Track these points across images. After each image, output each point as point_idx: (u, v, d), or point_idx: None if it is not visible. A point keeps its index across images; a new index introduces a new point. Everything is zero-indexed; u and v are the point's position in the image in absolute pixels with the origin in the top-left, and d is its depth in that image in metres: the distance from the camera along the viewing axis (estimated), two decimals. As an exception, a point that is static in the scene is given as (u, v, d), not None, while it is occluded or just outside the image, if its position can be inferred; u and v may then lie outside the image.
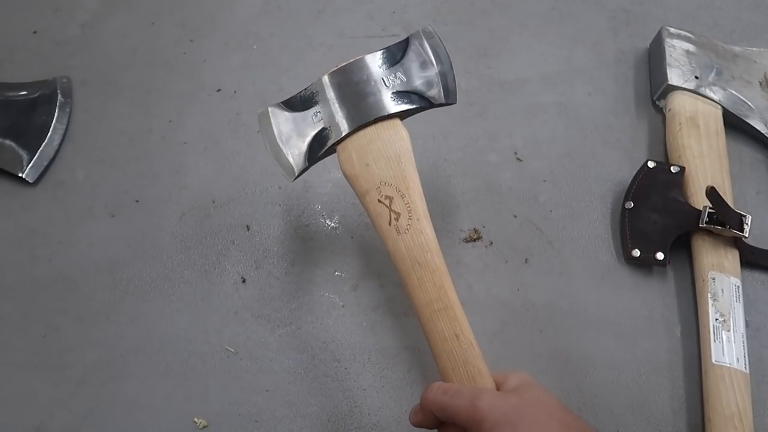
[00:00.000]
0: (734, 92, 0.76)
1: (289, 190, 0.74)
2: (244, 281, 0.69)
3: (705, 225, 0.66)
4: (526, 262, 0.70)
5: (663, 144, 0.77)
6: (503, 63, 0.83)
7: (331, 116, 0.56)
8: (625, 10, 0.87)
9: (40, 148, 0.75)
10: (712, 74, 0.77)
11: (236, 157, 0.76)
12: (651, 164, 0.72)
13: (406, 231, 0.53)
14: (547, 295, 0.68)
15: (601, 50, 0.84)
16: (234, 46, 0.84)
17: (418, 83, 0.57)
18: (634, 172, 0.73)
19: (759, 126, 0.76)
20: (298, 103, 0.58)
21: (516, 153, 0.77)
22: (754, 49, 0.81)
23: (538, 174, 0.75)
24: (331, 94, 0.56)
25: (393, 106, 0.55)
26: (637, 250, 0.68)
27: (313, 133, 0.56)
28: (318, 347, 0.66)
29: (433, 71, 0.57)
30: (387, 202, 0.54)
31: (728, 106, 0.75)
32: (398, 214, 0.54)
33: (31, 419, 0.63)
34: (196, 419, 0.62)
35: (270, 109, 0.58)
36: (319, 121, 0.56)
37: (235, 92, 0.81)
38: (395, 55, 0.57)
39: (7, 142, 0.75)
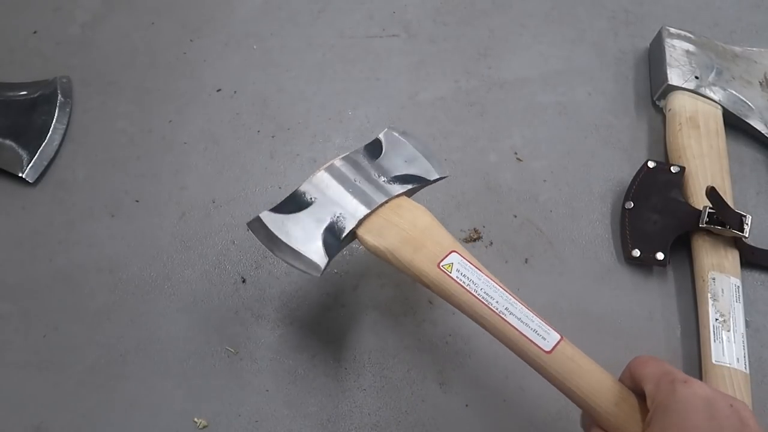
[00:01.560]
0: (734, 92, 0.76)
1: (289, 190, 0.73)
2: (244, 281, 0.69)
3: (705, 225, 0.66)
4: (526, 262, 0.70)
5: (663, 144, 0.77)
6: (503, 63, 0.83)
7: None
8: (625, 10, 0.87)
9: (40, 148, 0.75)
10: (712, 74, 0.77)
11: (236, 157, 0.76)
12: (651, 164, 0.72)
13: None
14: (547, 295, 0.68)
15: (601, 50, 0.84)
16: (234, 46, 0.84)
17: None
18: (634, 172, 0.73)
19: (759, 126, 0.76)
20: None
21: (516, 153, 0.77)
22: (754, 49, 0.81)
23: (538, 174, 0.75)
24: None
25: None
26: (637, 250, 0.68)
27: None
28: (318, 347, 0.66)
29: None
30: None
31: (728, 106, 0.75)
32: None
33: (31, 419, 0.62)
34: (196, 419, 0.62)
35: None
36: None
37: (235, 92, 0.81)
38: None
39: (7, 142, 0.75)
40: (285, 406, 0.63)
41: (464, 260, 0.52)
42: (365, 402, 0.63)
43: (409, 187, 0.58)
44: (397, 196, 0.56)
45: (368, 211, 0.55)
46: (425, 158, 0.60)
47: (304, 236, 0.54)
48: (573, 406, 0.55)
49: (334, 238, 0.54)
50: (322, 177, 0.56)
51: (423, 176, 0.59)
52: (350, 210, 0.55)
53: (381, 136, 0.61)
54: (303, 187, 0.56)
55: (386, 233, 0.54)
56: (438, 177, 0.59)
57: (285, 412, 0.63)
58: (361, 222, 0.55)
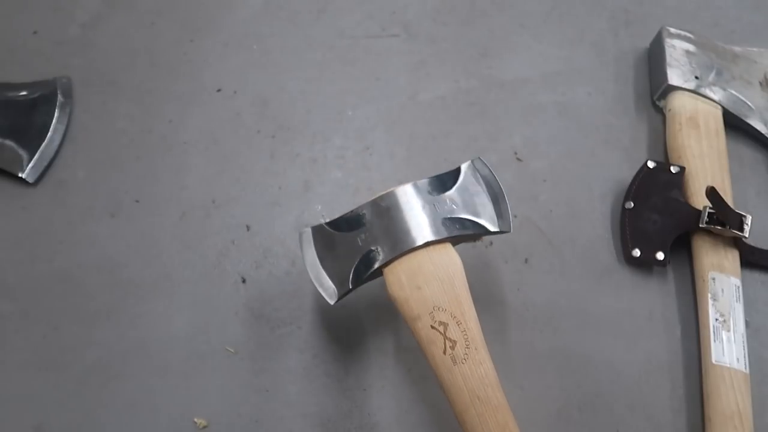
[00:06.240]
0: (734, 92, 0.76)
1: (289, 190, 0.74)
2: (244, 281, 0.69)
3: (705, 225, 0.66)
4: (526, 262, 0.70)
5: (663, 144, 0.77)
6: (503, 63, 0.83)
7: (379, 239, 0.55)
8: (625, 10, 0.87)
9: (40, 148, 0.75)
10: (712, 74, 0.77)
11: (236, 157, 0.76)
12: (651, 164, 0.72)
13: (464, 361, 0.51)
14: (547, 295, 0.68)
15: (601, 50, 0.84)
16: (234, 46, 0.84)
17: (470, 210, 0.57)
18: (634, 172, 0.73)
19: (759, 126, 0.76)
20: (343, 224, 0.56)
21: (516, 153, 0.77)
22: (754, 49, 0.81)
23: (538, 174, 0.75)
24: (379, 216, 0.55)
25: (445, 230, 0.55)
26: (637, 250, 0.68)
27: (360, 255, 0.55)
28: (318, 347, 0.66)
29: (486, 199, 0.57)
30: (441, 328, 0.52)
31: (728, 106, 0.75)
32: (454, 342, 0.52)
33: (31, 419, 0.63)
34: (196, 419, 0.62)
35: (312, 229, 0.57)
36: (366, 243, 0.55)
37: (235, 92, 0.81)
38: (445, 183, 0.57)
39: (7, 142, 0.75)
40: (285, 406, 0.63)
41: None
42: (365, 402, 0.63)
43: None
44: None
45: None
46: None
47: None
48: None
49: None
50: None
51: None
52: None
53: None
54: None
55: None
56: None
57: (285, 412, 0.63)
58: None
